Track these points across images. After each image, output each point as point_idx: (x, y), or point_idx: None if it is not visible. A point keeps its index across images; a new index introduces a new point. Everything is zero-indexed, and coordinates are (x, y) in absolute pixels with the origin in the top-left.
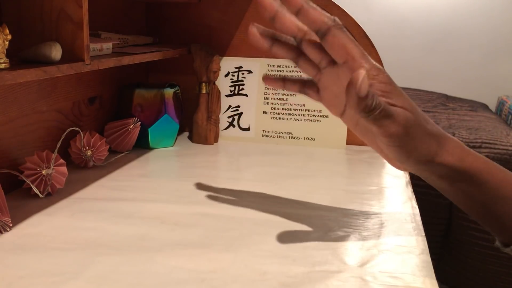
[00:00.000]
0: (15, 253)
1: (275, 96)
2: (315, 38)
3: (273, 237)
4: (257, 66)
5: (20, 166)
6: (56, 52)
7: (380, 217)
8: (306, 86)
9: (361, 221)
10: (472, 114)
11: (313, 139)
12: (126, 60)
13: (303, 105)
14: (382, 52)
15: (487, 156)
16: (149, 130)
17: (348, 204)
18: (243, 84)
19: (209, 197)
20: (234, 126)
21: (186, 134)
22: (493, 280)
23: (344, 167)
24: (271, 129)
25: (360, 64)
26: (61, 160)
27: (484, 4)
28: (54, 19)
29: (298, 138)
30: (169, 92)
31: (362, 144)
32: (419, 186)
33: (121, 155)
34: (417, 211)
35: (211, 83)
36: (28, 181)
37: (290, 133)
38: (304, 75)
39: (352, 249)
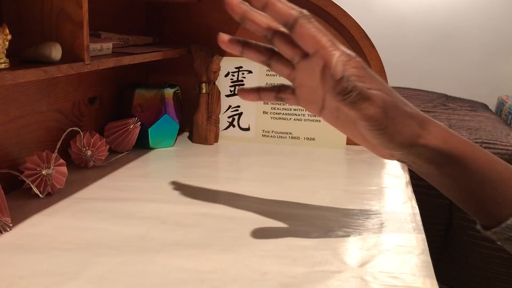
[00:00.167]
0: (15, 253)
1: None
2: (286, 36)
3: (273, 237)
4: (257, 66)
5: (20, 166)
6: (56, 52)
7: (380, 217)
8: (281, 92)
9: (361, 221)
10: (472, 114)
11: (313, 139)
12: (126, 60)
13: None
14: (382, 52)
15: None
16: (149, 130)
17: (348, 204)
18: (243, 84)
19: (209, 197)
20: (234, 126)
21: (186, 134)
22: (493, 280)
23: (344, 167)
24: (271, 129)
25: (331, 51)
26: (61, 160)
27: (484, 4)
28: (54, 19)
29: (298, 138)
30: (169, 92)
31: None
32: (419, 186)
33: (121, 155)
34: (417, 211)
35: (211, 83)
36: (28, 181)
37: (290, 133)
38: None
39: (352, 249)
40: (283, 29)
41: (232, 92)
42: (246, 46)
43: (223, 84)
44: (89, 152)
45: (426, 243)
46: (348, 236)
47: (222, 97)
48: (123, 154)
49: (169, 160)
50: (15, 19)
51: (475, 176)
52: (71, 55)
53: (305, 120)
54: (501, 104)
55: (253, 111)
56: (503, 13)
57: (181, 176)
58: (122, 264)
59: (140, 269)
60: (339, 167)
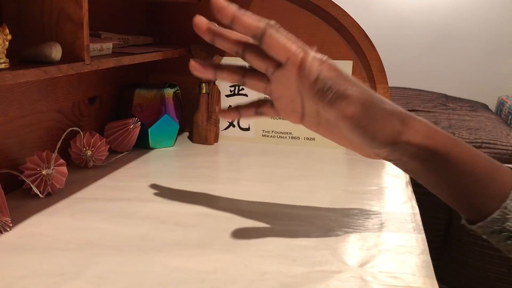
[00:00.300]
0: (15, 253)
1: None
2: (257, 49)
3: (273, 237)
4: None
5: (20, 166)
6: (56, 52)
7: (380, 217)
8: (260, 106)
9: (361, 221)
10: (472, 114)
11: (313, 139)
12: (126, 60)
13: None
14: (382, 52)
15: None
16: (149, 130)
17: (348, 204)
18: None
19: (209, 197)
20: (234, 126)
21: (186, 134)
22: (493, 280)
23: (344, 167)
24: (271, 129)
25: (303, 55)
26: (61, 160)
27: (484, 4)
28: (54, 19)
29: (298, 138)
30: (169, 92)
31: None
32: (419, 186)
33: (121, 155)
34: (417, 211)
35: (211, 83)
36: (28, 181)
37: (290, 133)
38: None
39: (352, 249)
40: (253, 42)
41: (232, 92)
42: (218, 68)
43: (223, 84)
44: (89, 152)
45: (426, 243)
46: (348, 236)
47: (222, 97)
48: (123, 154)
49: (169, 160)
50: (15, 19)
51: (459, 171)
52: (71, 55)
53: None
54: (501, 104)
55: None
56: (503, 13)
57: (181, 176)
58: (122, 264)
59: (140, 269)
60: (339, 167)
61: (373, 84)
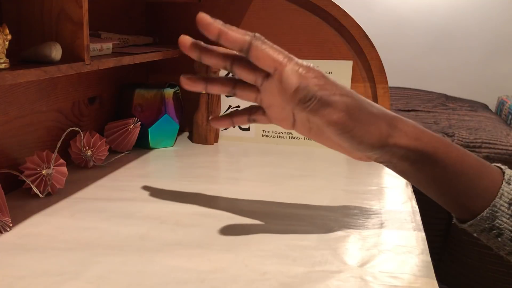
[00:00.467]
0: (15, 253)
1: None
2: (244, 61)
3: (273, 237)
4: None
5: (20, 166)
6: (56, 52)
7: (380, 217)
8: (253, 113)
9: (361, 221)
10: (472, 114)
11: None
12: (126, 60)
13: None
14: (382, 52)
15: (487, 156)
16: (149, 130)
17: (348, 204)
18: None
19: (209, 197)
20: (234, 126)
21: (186, 134)
22: (493, 280)
23: (344, 167)
24: (271, 129)
25: (285, 65)
26: (61, 160)
27: (484, 4)
28: (54, 19)
29: (298, 138)
30: (169, 92)
31: None
32: None
33: (121, 155)
34: (417, 211)
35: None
36: (28, 181)
37: (290, 133)
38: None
39: (352, 249)
40: (240, 55)
41: None
42: (209, 81)
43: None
44: (89, 152)
45: (426, 243)
46: (348, 236)
47: (222, 97)
48: (123, 154)
49: (169, 160)
50: (15, 19)
51: (448, 170)
52: (71, 55)
53: None
54: (501, 104)
55: None
56: (503, 13)
57: (181, 176)
58: (122, 264)
59: (140, 269)
60: (339, 167)
61: (373, 84)
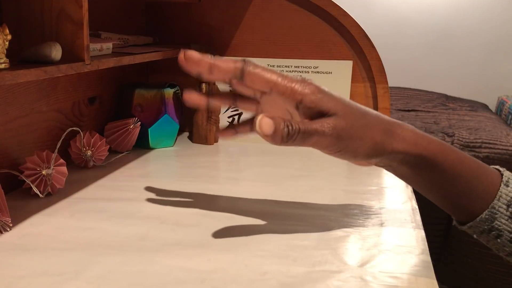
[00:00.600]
0: (15, 253)
1: None
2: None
3: (273, 237)
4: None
5: (20, 166)
6: (56, 52)
7: (380, 217)
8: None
9: (361, 221)
10: (472, 114)
11: None
12: (126, 60)
13: None
14: (382, 52)
15: (487, 156)
16: (149, 130)
17: (348, 204)
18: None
19: (209, 197)
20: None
21: (186, 134)
22: (493, 280)
23: (344, 167)
24: None
25: (285, 85)
26: (61, 160)
27: (484, 4)
28: (54, 19)
29: None
30: (169, 92)
31: None
32: None
33: (121, 155)
34: (417, 211)
35: (211, 83)
36: (28, 181)
37: None
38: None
39: (352, 249)
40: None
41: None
42: (211, 97)
43: (223, 84)
44: (89, 152)
45: (426, 243)
46: (348, 236)
47: None
48: (123, 154)
49: (169, 160)
50: (15, 19)
51: (447, 174)
52: (71, 55)
53: None
54: (501, 104)
55: None
56: (503, 13)
57: (181, 176)
58: (122, 264)
59: (140, 269)
60: (339, 167)
61: (373, 84)
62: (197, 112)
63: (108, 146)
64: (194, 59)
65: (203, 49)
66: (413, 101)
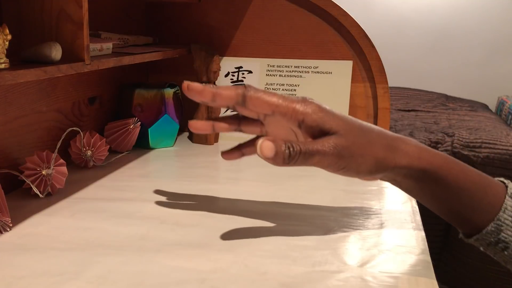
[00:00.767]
0: (15, 253)
1: None
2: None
3: (273, 237)
4: (257, 66)
5: (20, 166)
6: (56, 52)
7: (380, 217)
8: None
9: (361, 221)
10: (472, 114)
11: None
12: (126, 60)
13: None
14: (382, 52)
15: (487, 156)
16: (149, 130)
17: (348, 204)
18: (243, 84)
19: (209, 197)
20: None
21: (186, 134)
22: (493, 280)
23: None
24: None
25: (286, 106)
26: (61, 160)
27: (484, 4)
28: (54, 19)
29: None
30: (169, 92)
31: None
32: None
33: (121, 155)
34: (417, 211)
35: (211, 83)
36: (28, 181)
37: None
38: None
39: (352, 249)
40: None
41: None
42: (215, 123)
43: (223, 84)
44: (89, 152)
45: (426, 243)
46: (348, 236)
47: None
48: (123, 154)
49: (169, 160)
50: (15, 19)
51: (451, 186)
52: (71, 55)
53: None
54: (501, 104)
55: None
56: (502, 13)
57: (181, 176)
58: (122, 264)
59: (140, 269)
60: None
61: (373, 84)
62: (197, 112)
63: (108, 146)
64: (197, 90)
65: (203, 49)
66: (413, 101)
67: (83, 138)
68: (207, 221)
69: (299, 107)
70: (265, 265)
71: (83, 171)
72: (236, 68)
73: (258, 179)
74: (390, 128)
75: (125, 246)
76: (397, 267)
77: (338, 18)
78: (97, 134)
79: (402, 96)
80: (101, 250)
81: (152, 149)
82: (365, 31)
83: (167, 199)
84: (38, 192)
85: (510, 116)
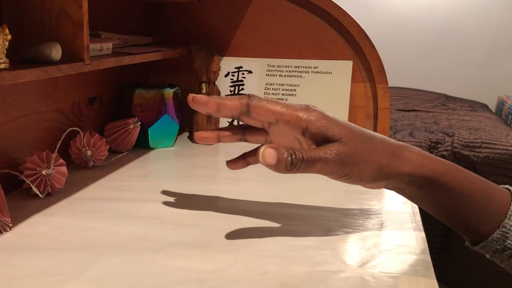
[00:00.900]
0: (15, 253)
1: (274, 97)
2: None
3: (273, 237)
4: (257, 66)
5: (20, 166)
6: (56, 52)
7: (380, 217)
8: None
9: (361, 221)
10: (472, 114)
11: None
12: (126, 60)
13: None
14: (382, 52)
15: (487, 156)
16: (149, 130)
17: (348, 204)
18: (243, 84)
19: (209, 197)
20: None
21: (186, 134)
22: (493, 280)
23: None
24: None
25: (290, 113)
26: (61, 160)
27: (484, 4)
28: (54, 19)
29: None
30: (169, 92)
31: None
32: None
33: (121, 155)
34: (417, 211)
35: (211, 83)
36: (28, 181)
37: None
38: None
39: (352, 249)
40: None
41: (232, 92)
42: (220, 133)
43: (223, 84)
44: (89, 152)
45: (426, 243)
46: (348, 236)
47: None
48: (123, 154)
49: (169, 160)
50: (15, 19)
51: (455, 194)
52: (71, 55)
53: None
54: (501, 104)
55: None
56: (502, 13)
57: (181, 176)
58: (122, 264)
59: (140, 269)
60: None
61: (373, 84)
62: (197, 112)
63: (108, 146)
64: (202, 102)
65: (203, 49)
66: (413, 101)
67: (83, 138)
68: (207, 221)
69: (302, 114)
70: (265, 265)
71: (83, 171)
72: (236, 68)
73: (258, 179)
74: (390, 128)
75: (125, 246)
76: (397, 267)
77: (338, 18)
78: (97, 134)
79: (402, 96)
80: (101, 250)
81: (152, 149)
82: (365, 31)
83: (167, 199)
84: (38, 192)
85: (510, 116)
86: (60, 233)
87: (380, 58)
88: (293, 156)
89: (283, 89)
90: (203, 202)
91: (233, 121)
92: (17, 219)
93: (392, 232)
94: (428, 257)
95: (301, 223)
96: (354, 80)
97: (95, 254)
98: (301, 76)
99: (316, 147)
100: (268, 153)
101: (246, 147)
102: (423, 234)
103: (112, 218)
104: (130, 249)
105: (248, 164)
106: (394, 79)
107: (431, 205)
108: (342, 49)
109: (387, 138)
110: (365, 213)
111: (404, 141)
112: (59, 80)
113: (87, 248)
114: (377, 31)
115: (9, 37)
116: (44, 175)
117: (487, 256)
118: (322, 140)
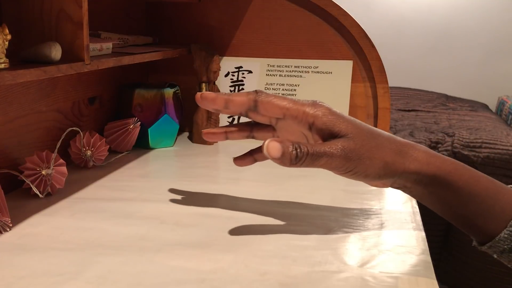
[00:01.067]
0: (15, 253)
1: None
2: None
3: (273, 237)
4: (257, 66)
5: (20, 166)
6: (56, 52)
7: (380, 217)
8: None
9: (361, 221)
10: (472, 114)
11: None
12: (126, 60)
13: None
14: (382, 52)
15: (487, 156)
16: (149, 130)
17: (348, 204)
18: (243, 84)
19: (209, 197)
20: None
21: (186, 134)
22: (493, 280)
23: None
24: None
25: (297, 109)
26: (61, 160)
27: (484, 4)
28: (54, 19)
29: None
30: (169, 92)
31: None
32: None
33: (121, 155)
34: (417, 211)
35: (211, 83)
36: (28, 181)
37: None
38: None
39: (352, 249)
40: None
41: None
42: (228, 130)
43: (223, 84)
44: (89, 152)
45: (426, 243)
46: (348, 236)
47: None
48: (123, 154)
49: (169, 160)
50: (15, 19)
51: (462, 193)
52: (71, 55)
53: None
54: (501, 104)
55: None
56: (502, 13)
57: (181, 176)
58: (122, 264)
59: (140, 269)
60: None
61: (373, 84)
62: (197, 112)
63: (108, 146)
64: (210, 98)
65: (203, 49)
66: (413, 101)
67: (83, 138)
68: (207, 221)
69: (309, 110)
70: (265, 265)
71: (83, 171)
72: (236, 68)
73: (258, 179)
74: (390, 128)
75: (125, 246)
76: (397, 267)
77: (338, 18)
78: (97, 134)
79: (402, 96)
80: (101, 250)
81: (152, 149)
82: (365, 31)
83: (167, 199)
84: (38, 192)
85: (510, 116)
86: (60, 233)
87: (380, 58)
88: (298, 150)
89: (283, 89)
90: (203, 202)
91: (233, 120)
92: (17, 219)
93: (392, 232)
94: (428, 257)
95: (301, 223)
96: (354, 80)
97: (95, 254)
98: (301, 76)
99: (322, 142)
100: (272, 146)
101: (246, 147)
102: (423, 234)
103: (112, 218)
104: (130, 249)
105: (255, 160)
106: (394, 79)
107: (437, 204)
108: (342, 49)
109: (394, 136)
110: (365, 213)
111: None
112: (59, 80)
113: (87, 248)
114: (377, 31)
115: (9, 37)
116: (44, 175)
117: (495, 256)
118: (328, 135)
